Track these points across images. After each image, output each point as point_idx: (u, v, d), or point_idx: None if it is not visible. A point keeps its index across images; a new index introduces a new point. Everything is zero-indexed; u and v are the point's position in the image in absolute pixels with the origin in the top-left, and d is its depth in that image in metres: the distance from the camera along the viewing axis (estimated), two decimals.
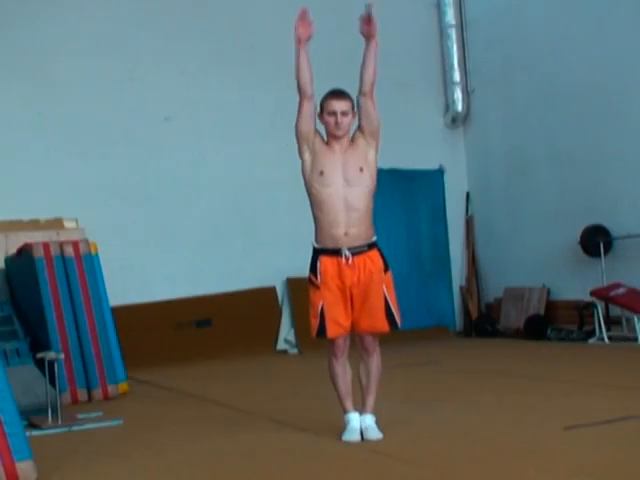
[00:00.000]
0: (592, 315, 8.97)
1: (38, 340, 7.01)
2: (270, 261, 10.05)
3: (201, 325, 9.76)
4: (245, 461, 4.36)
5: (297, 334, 9.82)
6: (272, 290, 10.25)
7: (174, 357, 9.09)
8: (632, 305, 8.65)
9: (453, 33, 11.33)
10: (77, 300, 7.04)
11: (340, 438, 4.58)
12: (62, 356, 6.25)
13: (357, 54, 4.65)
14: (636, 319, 8.56)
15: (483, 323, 10.74)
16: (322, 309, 4.53)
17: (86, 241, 7.38)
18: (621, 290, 8.82)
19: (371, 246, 4.58)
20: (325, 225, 4.54)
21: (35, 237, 7.86)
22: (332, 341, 4.60)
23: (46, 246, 7.08)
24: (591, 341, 8.87)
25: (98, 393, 6.89)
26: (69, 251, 7.10)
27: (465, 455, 4.13)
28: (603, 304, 9.01)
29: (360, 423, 4.60)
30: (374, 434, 4.55)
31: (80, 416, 6.00)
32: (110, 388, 6.94)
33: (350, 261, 4.49)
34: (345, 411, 4.68)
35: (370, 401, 4.65)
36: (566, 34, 9.91)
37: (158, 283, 9.61)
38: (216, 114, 10.10)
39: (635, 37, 9.10)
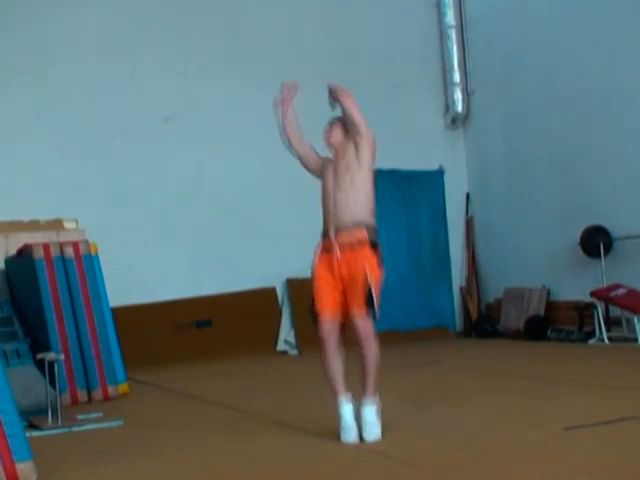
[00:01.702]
0: (592, 316, 8.97)
1: (38, 341, 7.00)
2: (270, 262, 10.05)
3: (201, 325, 9.76)
4: (245, 461, 4.36)
5: (297, 335, 9.81)
6: (272, 291, 10.25)
7: (174, 357, 9.10)
8: (632, 306, 8.65)
9: (453, 34, 11.33)
10: (77, 301, 7.05)
11: (339, 438, 4.56)
12: (62, 357, 6.25)
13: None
14: (636, 320, 8.55)
15: (483, 324, 10.74)
16: (316, 293, 4.69)
17: (86, 242, 7.38)
18: (621, 291, 8.81)
19: (362, 242, 4.65)
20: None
21: (35, 238, 7.84)
22: (320, 324, 4.66)
23: (46, 247, 7.08)
24: (591, 342, 8.86)
25: (98, 394, 6.89)
26: (69, 252, 7.11)
27: (465, 455, 4.13)
28: (603, 305, 9.00)
29: (361, 417, 4.55)
30: (373, 435, 4.51)
31: (80, 417, 6.00)
32: (110, 389, 6.94)
33: (339, 257, 4.64)
34: (336, 395, 4.63)
35: (369, 383, 4.60)
36: (566, 35, 9.90)
37: (158, 283, 9.61)
38: (216, 114, 10.10)
39: (635, 38, 9.10)
